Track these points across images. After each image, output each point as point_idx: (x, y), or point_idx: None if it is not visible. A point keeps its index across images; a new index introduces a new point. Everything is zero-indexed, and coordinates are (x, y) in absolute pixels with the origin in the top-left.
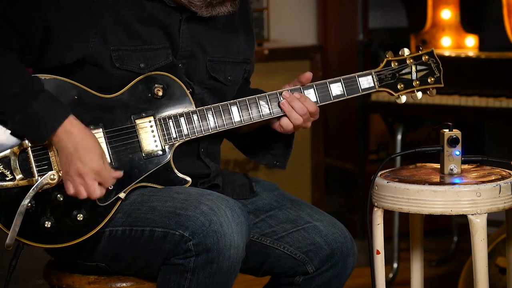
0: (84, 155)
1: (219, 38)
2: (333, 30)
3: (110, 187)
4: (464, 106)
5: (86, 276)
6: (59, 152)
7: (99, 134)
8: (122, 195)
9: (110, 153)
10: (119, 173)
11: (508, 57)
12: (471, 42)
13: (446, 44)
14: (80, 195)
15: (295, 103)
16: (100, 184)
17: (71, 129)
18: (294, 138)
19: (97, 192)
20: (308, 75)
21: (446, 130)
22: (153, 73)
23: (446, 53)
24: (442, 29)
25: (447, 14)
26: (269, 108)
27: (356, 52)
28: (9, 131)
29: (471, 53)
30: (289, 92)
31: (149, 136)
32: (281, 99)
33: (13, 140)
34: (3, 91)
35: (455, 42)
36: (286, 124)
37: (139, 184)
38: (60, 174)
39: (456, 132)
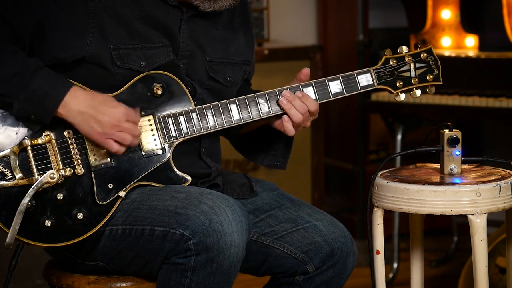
0: (104, 107)
1: (219, 39)
2: (333, 30)
3: (110, 185)
4: (464, 106)
5: (86, 276)
6: (77, 124)
7: None
8: (122, 193)
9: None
10: (137, 109)
11: (508, 57)
12: (471, 42)
13: (446, 44)
14: (126, 142)
15: (296, 102)
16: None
17: (77, 95)
18: (293, 138)
19: (137, 131)
20: (306, 71)
21: (446, 130)
22: (152, 72)
23: (446, 53)
24: (442, 29)
25: (447, 14)
26: (268, 107)
27: (356, 52)
28: (15, 116)
29: (471, 53)
30: (289, 91)
31: (149, 135)
32: (280, 97)
33: (13, 139)
34: (3, 72)
35: (455, 42)
36: (287, 125)
37: (139, 183)
38: (60, 173)
39: (456, 132)
